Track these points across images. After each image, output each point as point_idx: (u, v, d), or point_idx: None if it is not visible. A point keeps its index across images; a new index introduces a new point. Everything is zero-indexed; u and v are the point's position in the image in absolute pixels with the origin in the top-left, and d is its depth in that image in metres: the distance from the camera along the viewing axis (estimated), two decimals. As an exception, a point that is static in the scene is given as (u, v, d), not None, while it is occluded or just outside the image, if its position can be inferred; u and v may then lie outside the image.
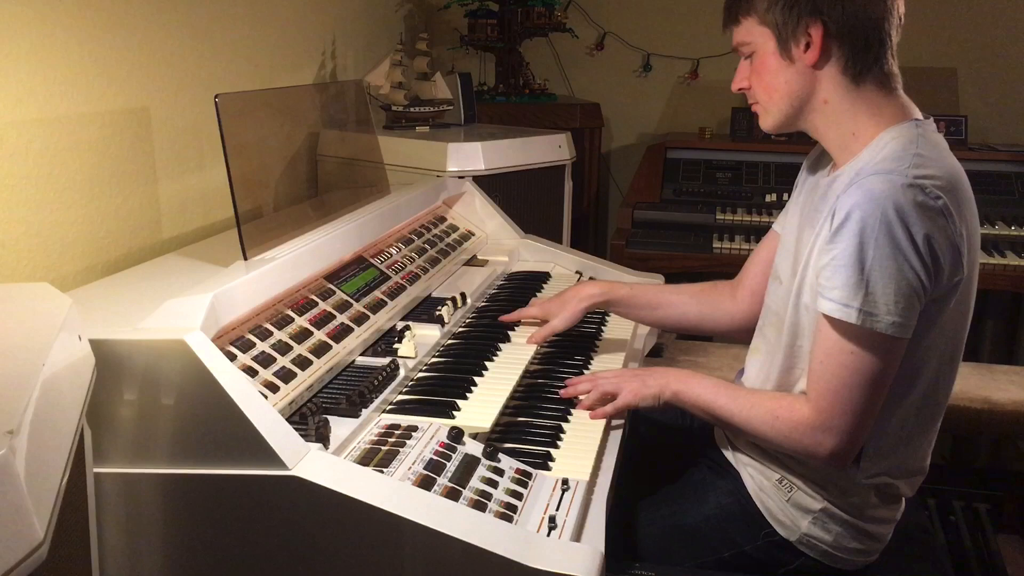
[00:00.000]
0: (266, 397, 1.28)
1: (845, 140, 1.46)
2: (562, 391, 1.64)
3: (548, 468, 1.39)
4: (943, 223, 1.32)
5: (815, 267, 1.40)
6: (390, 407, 1.50)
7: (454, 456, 1.32)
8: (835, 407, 1.37)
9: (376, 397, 1.46)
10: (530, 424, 1.54)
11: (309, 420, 1.32)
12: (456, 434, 1.37)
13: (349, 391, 1.45)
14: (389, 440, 1.36)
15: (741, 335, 1.75)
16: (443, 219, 2.32)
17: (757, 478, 1.55)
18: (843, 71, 1.42)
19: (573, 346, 1.89)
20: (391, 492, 1.15)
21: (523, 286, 2.16)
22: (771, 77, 1.46)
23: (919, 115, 1.45)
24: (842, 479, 1.47)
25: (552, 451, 1.44)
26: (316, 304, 1.59)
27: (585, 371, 1.76)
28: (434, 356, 1.73)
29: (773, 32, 1.43)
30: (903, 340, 1.34)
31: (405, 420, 1.44)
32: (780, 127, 1.51)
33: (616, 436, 1.56)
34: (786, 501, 1.51)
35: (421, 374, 1.65)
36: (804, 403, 1.40)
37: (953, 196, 1.34)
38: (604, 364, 1.82)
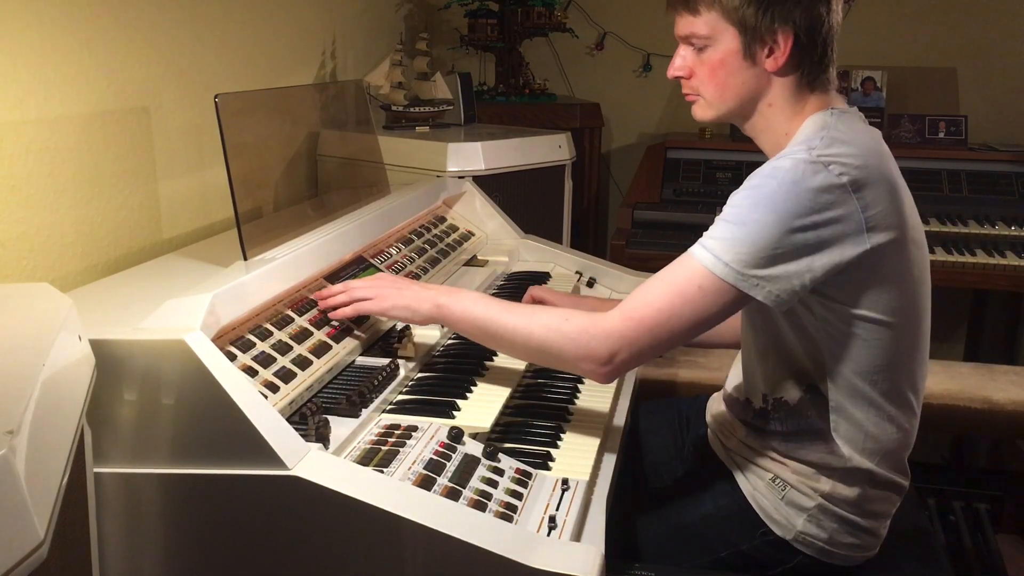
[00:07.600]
0: (266, 397, 1.28)
1: (779, 140, 1.48)
2: (319, 301, 1.57)
3: (548, 468, 1.39)
4: (843, 198, 1.32)
5: None
6: (390, 407, 1.50)
7: (454, 456, 1.32)
8: (644, 323, 1.36)
9: (376, 397, 1.46)
10: (530, 424, 1.54)
11: (309, 420, 1.32)
12: (456, 434, 1.37)
13: (349, 391, 1.45)
14: (389, 440, 1.36)
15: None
16: (443, 219, 2.32)
17: (751, 478, 1.54)
18: (797, 78, 1.44)
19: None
20: (391, 492, 1.15)
21: (523, 286, 2.15)
22: (726, 75, 1.45)
23: (842, 106, 1.46)
24: (829, 469, 1.46)
25: (552, 451, 1.44)
26: (316, 304, 1.59)
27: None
28: (434, 356, 1.73)
29: (739, 32, 1.42)
30: (747, 298, 1.35)
31: (405, 420, 1.44)
32: (716, 121, 1.52)
33: (616, 436, 1.56)
34: (780, 500, 1.50)
35: (421, 374, 1.65)
36: (612, 312, 1.39)
37: (864, 171, 1.35)
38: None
